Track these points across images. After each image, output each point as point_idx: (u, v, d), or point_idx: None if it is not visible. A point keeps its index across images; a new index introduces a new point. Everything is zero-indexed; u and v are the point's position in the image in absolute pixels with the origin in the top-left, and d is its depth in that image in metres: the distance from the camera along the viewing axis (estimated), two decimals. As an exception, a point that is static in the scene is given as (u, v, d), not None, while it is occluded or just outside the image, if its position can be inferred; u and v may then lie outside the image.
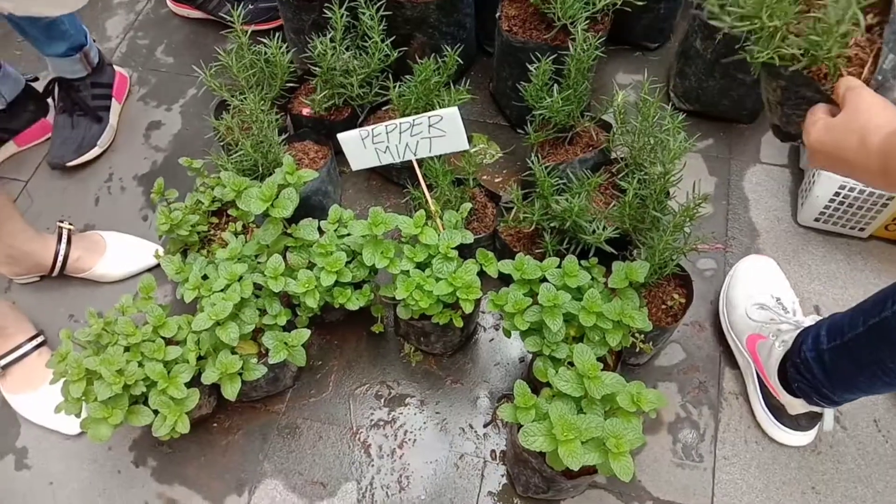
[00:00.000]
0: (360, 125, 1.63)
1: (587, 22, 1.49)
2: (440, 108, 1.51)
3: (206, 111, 1.64)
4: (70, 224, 1.55)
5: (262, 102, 1.49)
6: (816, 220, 1.57)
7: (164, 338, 1.23)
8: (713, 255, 1.58)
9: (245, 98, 1.45)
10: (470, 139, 1.77)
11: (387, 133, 1.28)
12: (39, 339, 1.42)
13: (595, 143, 1.55)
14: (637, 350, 1.26)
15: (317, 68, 1.58)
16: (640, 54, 1.90)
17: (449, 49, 1.51)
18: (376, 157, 1.32)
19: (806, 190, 1.58)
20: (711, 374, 1.43)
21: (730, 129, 1.75)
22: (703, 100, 1.72)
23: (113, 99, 1.83)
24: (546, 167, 1.41)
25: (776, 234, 1.60)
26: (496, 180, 1.72)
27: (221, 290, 1.22)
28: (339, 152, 1.69)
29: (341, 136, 1.32)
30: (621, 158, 1.49)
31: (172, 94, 1.91)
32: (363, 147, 1.31)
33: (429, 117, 1.24)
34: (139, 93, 1.92)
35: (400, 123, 1.26)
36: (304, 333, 1.26)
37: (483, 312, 1.53)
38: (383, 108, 1.67)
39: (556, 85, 1.47)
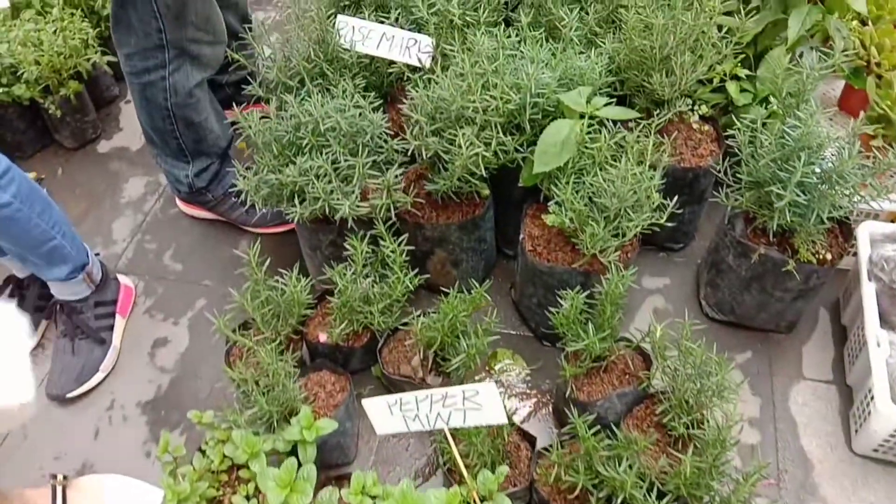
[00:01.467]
0: (380, 350, 1.55)
1: (616, 253, 1.43)
2: (465, 342, 1.44)
3: (215, 329, 1.53)
4: (64, 478, 1.41)
5: (277, 343, 1.41)
6: (875, 450, 1.46)
7: None
8: (766, 492, 1.45)
9: (260, 345, 1.36)
10: (494, 355, 1.68)
11: (417, 402, 1.18)
12: None
13: (631, 373, 1.46)
14: None
15: (333, 298, 1.50)
16: (665, 255, 1.84)
17: (473, 281, 1.44)
18: (404, 424, 1.22)
19: (859, 415, 1.47)
20: None
21: (768, 339, 1.67)
22: (738, 312, 1.64)
23: (117, 316, 1.74)
24: (583, 409, 1.31)
25: (832, 465, 1.48)
26: (524, 403, 1.61)
27: None
28: (354, 372, 1.60)
29: (366, 403, 1.22)
30: (662, 393, 1.39)
31: (180, 306, 1.82)
32: (390, 414, 1.21)
33: (463, 391, 1.14)
34: (145, 304, 1.83)
35: (432, 394, 1.17)
36: None
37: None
38: (405, 330, 1.58)
39: (589, 321, 1.39)
